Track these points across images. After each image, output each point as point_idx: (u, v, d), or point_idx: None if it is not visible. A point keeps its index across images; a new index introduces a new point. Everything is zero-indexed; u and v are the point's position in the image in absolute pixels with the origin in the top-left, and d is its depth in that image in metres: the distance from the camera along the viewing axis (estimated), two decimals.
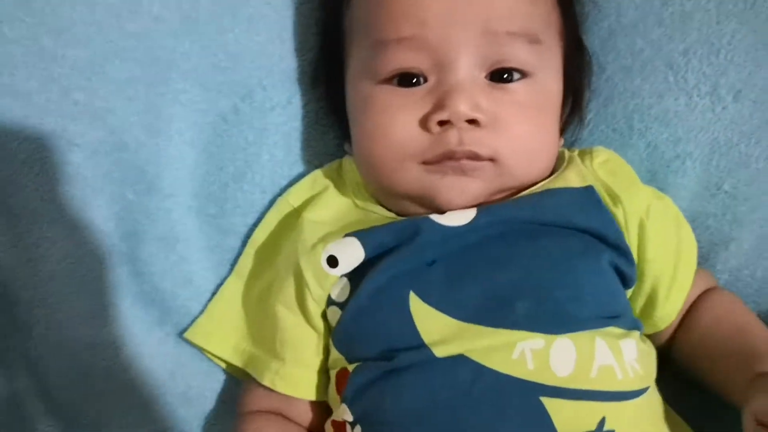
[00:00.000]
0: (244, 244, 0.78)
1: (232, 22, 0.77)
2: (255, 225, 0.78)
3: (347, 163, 0.78)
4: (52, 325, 0.76)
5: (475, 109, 0.66)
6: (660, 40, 0.77)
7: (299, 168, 0.80)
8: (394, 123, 0.68)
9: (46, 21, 0.71)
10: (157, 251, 0.75)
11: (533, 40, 0.69)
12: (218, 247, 0.78)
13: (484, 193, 0.68)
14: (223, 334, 0.75)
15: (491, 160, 0.67)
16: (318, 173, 0.78)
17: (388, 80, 0.69)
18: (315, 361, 0.71)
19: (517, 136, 0.68)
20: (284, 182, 0.79)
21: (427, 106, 0.67)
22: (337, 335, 0.68)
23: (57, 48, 0.71)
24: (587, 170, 0.73)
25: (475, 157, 0.67)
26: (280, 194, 0.78)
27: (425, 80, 0.68)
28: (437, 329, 0.64)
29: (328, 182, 0.77)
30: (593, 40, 0.80)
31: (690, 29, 0.77)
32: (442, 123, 0.66)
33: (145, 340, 0.76)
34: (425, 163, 0.68)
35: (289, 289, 0.70)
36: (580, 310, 0.65)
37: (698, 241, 0.76)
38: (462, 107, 0.65)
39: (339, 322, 0.68)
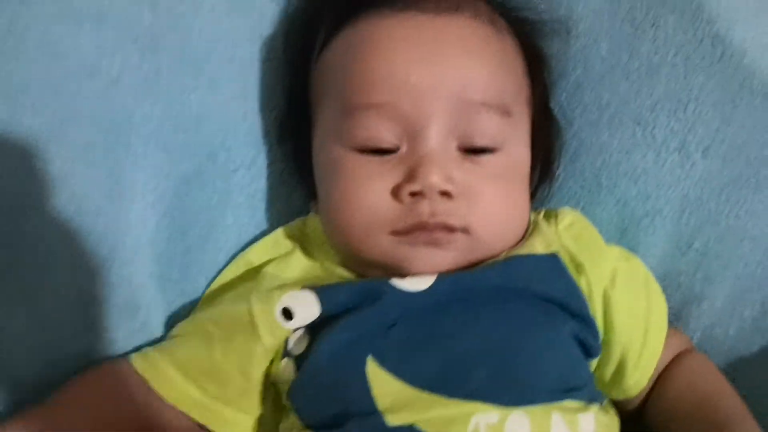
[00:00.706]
0: None
1: (195, 81, 0.76)
2: None
3: (312, 221, 0.77)
4: (14, 391, 0.72)
5: (447, 180, 0.65)
6: (627, 94, 0.78)
7: (264, 229, 0.79)
8: (365, 191, 0.67)
9: (1, 85, 0.69)
10: (118, 320, 0.73)
11: (505, 112, 0.69)
12: (181, 312, 0.76)
13: (454, 264, 0.68)
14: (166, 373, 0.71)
15: (464, 231, 0.67)
16: (280, 231, 0.77)
17: (358, 146, 0.68)
18: (240, 403, 0.69)
19: (489, 208, 0.68)
20: (248, 244, 0.78)
21: (399, 175, 0.67)
22: (294, 391, 0.67)
23: (12, 114, 0.69)
24: (552, 234, 0.73)
25: (448, 228, 0.66)
26: None
27: (396, 148, 0.67)
28: (392, 395, 0.63)
29: (291, 241, 0.76)
30: (560, 94, 0.80)
31: (657, 83, 0.77)
32: (413, 194, 0.65)
33: None
34: (395, 232, 0.66)
35: (233, 336, 0.68)
36: (537, 381, 0.65)
37: (670, 300, 0.75)
38: (435, 179, 0.65)
39: (296, 379, 0.67)
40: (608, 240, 0.76)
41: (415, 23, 0.69)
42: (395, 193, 0.66)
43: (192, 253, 0.76)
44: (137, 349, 0.74)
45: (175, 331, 0.73)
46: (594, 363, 0.72)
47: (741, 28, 0.74)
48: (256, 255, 0.76)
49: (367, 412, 0.63)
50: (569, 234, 0.73)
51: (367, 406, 0.63)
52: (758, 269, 0.76)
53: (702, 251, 0.77)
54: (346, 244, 0.70)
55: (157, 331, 0.75)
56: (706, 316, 0.77)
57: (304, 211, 0.79)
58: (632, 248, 0.77)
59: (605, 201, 0.78)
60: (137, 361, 0.69)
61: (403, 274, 0.67)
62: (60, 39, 0.72)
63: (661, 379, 0.73)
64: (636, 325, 0.71)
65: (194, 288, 0.76)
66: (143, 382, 0.68)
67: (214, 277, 0.77)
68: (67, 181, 0.71)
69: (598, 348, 0.70)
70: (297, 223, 0.78)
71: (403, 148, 0.67)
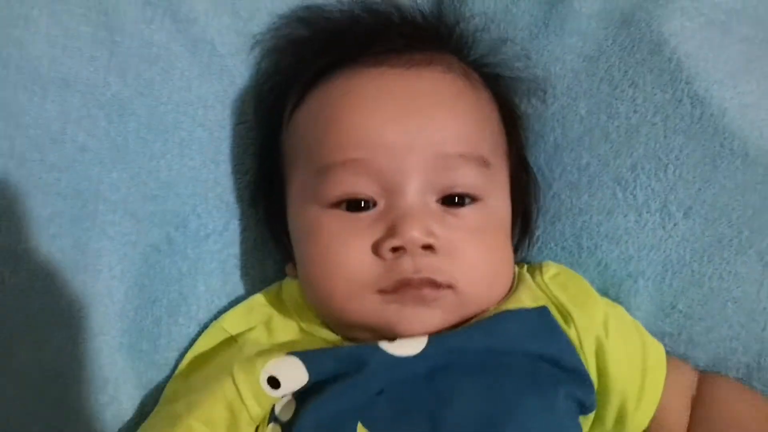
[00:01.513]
0: None
1: (164, 147, 0.75)
2: None
3: (288, 286, 0.75)
4: None
5: (428, 234, 0.64)
6: (607, 155, 0.77)
7: (237, 296, 0.77)
8: (345, 250, 0.66)
9: None
10: (87, 394, 0.71)
11: (482, 163, 0.68)
12: (151, 383, 0.74)
13: (444, 322, 0.66)
14: None
15: (450, 287, 0.65)
16: (255, 298, 0.75)
17: (335, 205, 0.67)
18: None
19: (473, 262, 0.67)
20: (221, 313, 0.75)
21: (378, 231, 0.65)
22: None
23: None
24: (538, 286, 0.72)
25: (434, 284, 0.65)
26: None
27: (374, 204, 0.66)
28: None
29: (267, 308, 0.74)
30: (539, 155, 0.79)
31: (637, 144, 0.76)
32: (395, 249, 0.64)
33: None
34: (381, 291, 0.65)
35: (213, 406, 0.65)
36: None
37: None
38: (415, 233, 0.64)
39: None
40: None
41: (386, 79, 0.69)
42: (376, 249, 0.65)
43: (162, 324, 0.74)
44: (105, 424, 0.71)
45: (144, 425, 0.69)
46: (590, 417, 0.70)
47: (720, 87, 0.73)
48: (230, 323, 0.74)
49: None
50: (556, 283, 0.72)
51: None
52: (742, 332, 0.74)
53: (686, 313, 0.75)
54: (329, 306, 0.68)
55: (127, 403, 0.73)
56: None
57: (278, 277, 0.78)
58: None
59: (586, 263, 0.77)
60: None
61: (391, 337, 0.66)
62: (24, 107, 0.71)
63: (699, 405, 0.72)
64: (632, 369, 0.70)
65: (165, 359, 0.74)
66: None
67: (187, 347, 0.74)
68: (30, 255, 0.69)
69: (594, 403, 0.69)
70: (272, 288, 0.76)
71: (381, 205, 0.66)
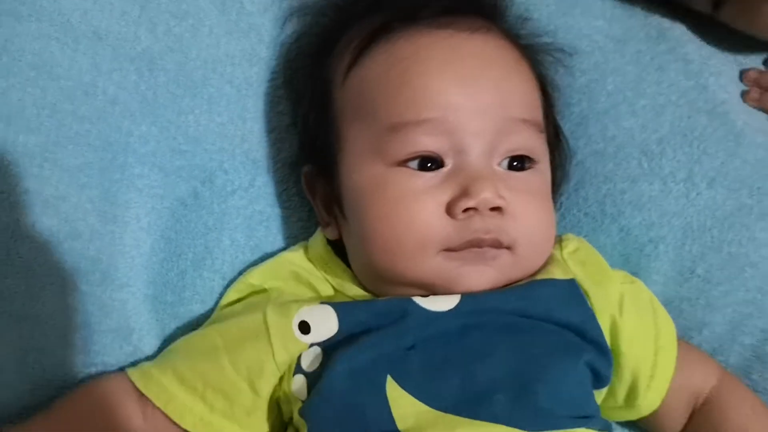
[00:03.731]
0: None
1: (192, 103, 0.76)
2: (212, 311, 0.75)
3: (314, 243, 0.76)
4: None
5: (498, 197, 0.66)
6: (633, 129, 0.81)
7: (261, 252, 0.78)
8: (417, 207, 0.66)
9: None
10: (111, 342, 0.72)
11: (539, 128, 0.72)
12: (174, 336, 0.75)
13: (495, 281, 0.68)
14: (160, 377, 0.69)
15: (509, 248, 0.67)
16: (283, 256, 0.76)
17: (403, 162, 0.67)
18: (245, 420, 0.67)
19: (533, 224, 0.69)
20: (245, 267, 0.77)
21: (449, 191, 0.66)
22: (308, 409, 0.65)
23: (6, 134, 0.69)
24: (559, 259, 0.73)
25: (498, 244, 0.66)
26: None
27: (443, 163, 0.67)
28: (413, 416, 0.63)
29: (295, 266, 0.74)
30: (564, 124, 0.81)
31: (663, 121, 0.81)
32: (466, 210, 0.65)
33: None
34: (447, 250, 0.66)
35: (246, 349, 0.67)
36: (557, 408, 0.65)
37: None
38: (488, 194, 0.65)
39: (311, 397, 0.65)
40: (612, 266, 0.76)
41: (454, 42, 0.70)
42: (449, 209, 0.66)
43: (187, 277, 0.75)
44: None
45: (177, 344, 0.71)
46: (603, 392, 0.72)
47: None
48: (257, 279, 0.74)
49: None
50: (574, 260, 0.74)
51: (387, 426, 0.63)
52: (759, 295, 0.77)
53: (704, 278, 0.77)
54: (390, 262, 0.68)
55: (150, 354, 0.73)
56: (707, 342, 0.77)
57: (302, 233, 0.79)
58: (635, 274, 0.77)
59: (609, 228, 0.79)
60: (136, 377, 0.67)
61: (427, 293, 0.67)
62: (56, 58, 0.73)
63: (701, 417, 0.73)
64: (645, 348, 0.72)
65: (188, 311, 0.75)
66: (144, 401, 0.67)
67: (211, 301, 0.75)
68: (60, 203, 0.71)
69: (609, 377, 0.70)
70: (298, 247, 0.77)
71: (449, 164, 0.67)
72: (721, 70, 0.84)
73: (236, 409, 0.67)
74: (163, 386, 0.66)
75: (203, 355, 0.67)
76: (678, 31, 0.85)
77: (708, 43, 0.86)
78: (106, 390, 0.68)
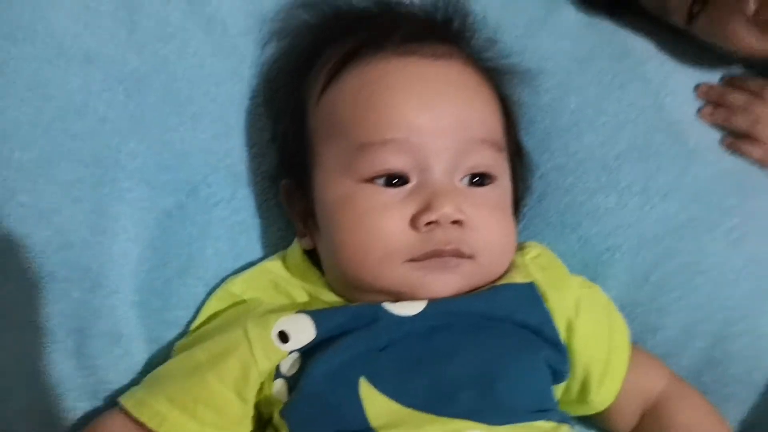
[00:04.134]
0: (182, 335, 0.79)
1: (178, 120, 0.81)
2: (196, 317, 0.79)
3: (292, 252, 0.80)
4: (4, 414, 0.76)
5: (458, 211, 0.70)
6: (593, 145, 0.87)
7: (243, 260, 0.82)
8: (383, 221, 0.71)
9: None
10: (102, 346, 0.76)
11: (498, 147, 0.76)
12: (161, 340, 0.79)
13: (458, 288, 0.72)
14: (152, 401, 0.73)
15: (470, 257, 0.72)
16: (262, 265, 0.81)
17: (370, 179, 0.72)
18: (235, 428, 0.72)
19: (491, 236, 0.73)
20: (227, 275, 0.81)
21: (413, 206, 0.71)
22: (288, 410, 0.70)
23: (2, 150, 0.73)
24: (521, 265, 0.78)
25: (459, 254, 0.71)
26: None
27: (407, 180, 0.72)
28: (385, 414, 0.67)
29: (273, 274, 0.79)
30: (529, 140, 0.86)
31: (621, 138, 0.87)
32: (429, 223, 0.70)
33: None
34: (411, 260, 0.71)
35: (229, 362, 0.70)
36: (518, 402, 0.70)
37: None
38: (448, 209, 0.70)
39: (290, 399, 0.70)
40: (572, 272, 0.81)
41: (418, 67, 0.75)
42: (413, 222, 0.71)
43: (172, 284, 0.79)
44: (119, 374, 0.76)
45: (164, 368, 0.74)
46: (561, 387, 0.77)
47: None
48: (239, 288, 0.79)
49: (361, 430, 0.67)
50: (536, 265, 0.79)
51: (360, 424, 0.67)
52: (708, 302, 0.82)
53: (657, 284, 0.83)
54: (358, 271, 0.73)
55: (139, 357, 0.78)
56: (660, 345, 0.82)
57: (281, 242, 0.83)
58: (593, 280, 0.82)
59: (569, 237, 0.85)
60: (130, 405, 0.70)
61: (396, 300, 0.72)
62: (49, 79, 0.76)
63: (651, 417, 0.78)
64: (598, 349, 0.77)
65: (174, 317, 0.79)
66: (140, 428, 0.70)
67: (194, 306, 0.79)
68: (53, 215, 0.75)
69: (566, 373, 0.75)
70: (277, 256, 0.81)
71: (414, 181, 0.72)
72: (679, 89, 0.90)
73: (226, 419, 0.70)
74: (155, 409, 0.69)
75: (190, 374, 0.71)
76: (640, 49, 0.91)
77: (670, 60, 0.91)
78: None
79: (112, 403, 0.76)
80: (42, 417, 0.76)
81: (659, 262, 0.83)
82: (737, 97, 0.88)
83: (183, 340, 0.77)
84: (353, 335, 0.70)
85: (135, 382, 0.77)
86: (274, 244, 0.84)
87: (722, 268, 0.82)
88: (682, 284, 0.83)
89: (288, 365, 0.70)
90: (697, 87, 0.90)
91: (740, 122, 0.87)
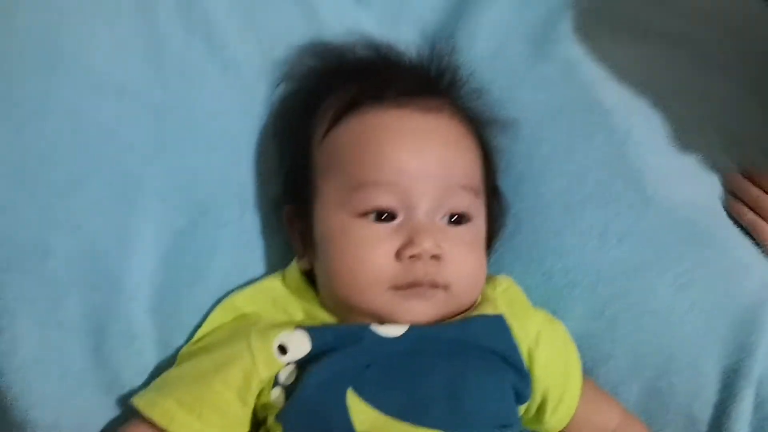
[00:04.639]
0: (190, 339, 0.85)
1: (195, 149, 0.88)
2: (202, 323, 0.86)
3: (290, 273, 0.87)
4: (15, 408, 0.81)
5: (437, 247, 0.79)
6: (561, 188, 0.94)
7: (247, 276, 0.89)
8: (372, 252, 0.79)
9: (32, 145, 0.81)
10: (118, 346, 0.82)
11: (476, 192, 0.84)
12: (170, 342, 0.85)
13: (433, 315, 0.81)
14: (162, 402, 0.78)
15: (444, 288, 0.80)
16: (264, 282, 0.87)
17: (363, 214, 0.80)
18: (236, 430, 0.79)
19: (464, 269, 0.82)
20: (232, 287, 0.87)
21: (398, 240, 0.79)
22: (284, 415, 0.77)
23: (41, 169, 0.81)
24: (491, 297, 0.86)
25: (435, 284, 0.80)
26: None
27: (395, 217, 0.80)
28: (368, 421, 0.75)
29: (274, 291, 0.86)
30: (505, 181, 0.94)
31: (586, 184, 0.94)
32: (412, 256, 0.79)
33: (103, 424, 0.83)
34: (394, 287, 0.79)
35: (233, 370, 0.77)
36: (483, 416, 0.78)
37: (584, 357, 0.88)
38: (428, 245, 0.78)
39: (286, 406, 0.77)
40: (535, 304, 0.90)
41: (410, 119, 0.83)
42: (398, 255, 0.79)
43: (183, 293, 0.86)
44: (132, 372, 0.83)
45: (174, 373, 0.80)
46: (523, 407, 0.85)
47: (656, 156, 0.95)
48: (242, 302, 0.85)
49: None
50: (504, 298, 0.87)
51: (347, 429, 0.74)
52: (655, 338, 0.89)
53: (610, 319, 0.90)
54: (347, 295, 0.80)
55: (150, 357, 0.84)
56: (612, 372, 0.90)
57: (281, 261, 0.90)
58: (555, 312, 0.90)
59: (534, 272, 0.93)
60: (142, 405, 0.77)
61: (382, 321, 0.79)
62: (85, 107, 0.84)
63: None
64: (555, 378, 0.85)
65: (182, 322, 0.85)
66: (151, 424, 0.76)
67: (201, 314, 0.86)
68: (85, 227, 0.82)
69: (528, 396, 0.84)
70: (277, 274, 0.88)
71: (400, 218, 0.80)
72: (642, 139, 0.95)
73: (227, 421, 0.77)
74: (165, 408, 0.75)
75: (197, 380, 0.77)
76: (609, 102, 0.97)
77: (635, 112, 0.98)
78: None
79: (122, 397, 0.83)
80: (61, 406, 0.81)
81: (613, 300, 0.90)
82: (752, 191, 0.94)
83: (187, 348, 0.83)
84: (344, 351, 0.77)
85: (145, 379, 0.83)
86: (274, 263, 0.90)
87: (669, 310, 0.89)
88: (631, 321, 0.89)
89: (285, 375, 0.77)
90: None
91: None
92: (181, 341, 0.86)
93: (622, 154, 0.95)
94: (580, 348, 0.89)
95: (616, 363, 0.90)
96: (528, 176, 0.95)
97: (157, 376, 0.84)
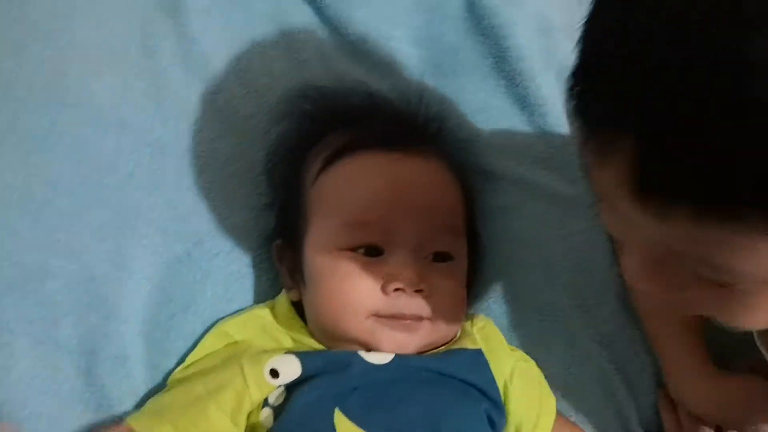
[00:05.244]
0: (179, 363, 0.88)
1: (191, 181, 0.93)
2: (192, 349, 0.89)
3: (279, 303, 0.91)
4: (9, 422, 0.83)
5: (420, 282, 0.83)
6: (535, 240, 1.00)
7: (236, 305, 0.92)
8: (360, 285, 0.83)
9: (38, 173, 0.86)
10: (110, 367, 0.85)
11: (458, 233, 0.89)
12: (161, 366, 0.88)
13: (417, 345, 0.84)
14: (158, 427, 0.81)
15: (428, 320, 0.84)
16: (254, 311, 0.91)
17: (352, 249, 0.84)
18: None
19: (446, 303, 0.85)
20: (222, 315, 0.91)
21: (385, 273, 0.83)
22: None
23: (47, 195, 0.86)
24: (470, 332, 0.91)
25: (418, 318, 0.84)
26: None
27: (383, 253, 0.84)
28: None
29: (264, 319, 0.90)
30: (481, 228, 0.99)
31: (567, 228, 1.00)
32: (396, 289, 0.83)
33: None
34: (377, 315, 0.83)
35: (227, 394, 0.80)
36: None
37: None
38: (413, 280, 0.83)
39: (275, 426, 0.80)
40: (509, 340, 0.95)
41: (398, 164, 0.87)
42: (384, 288, 0.82)
43: (175, 319, 0.89)
44: (122, 393, 0.86)
45: (165, 399, 0.83)
46: None
47: None
48: (233, 329, 0.88)
49: None
50: (481, 334, 0.92)
51: None
52: None
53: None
54: (334, 324, 0.84)
55: (140, 379, 0.86)
56: None
57: (270, 291, 0.93)
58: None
59: (497, 311, 0.99)
60: (138, 426, 0.79)
61: (369, 349, 0.83)
62: (89, 140, 0.89)
63: None
64: (528, 411, 0.89)
65: (173, 347, 0.88)
66: None
67: (191, 340, 0.89)
68: (82, 252, 0.86)
69: (503, 425, 0.87)
70: (267, 303, 0.91)
71: (387, 254, 0.84)
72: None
73: None
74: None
75: (192, 404, 0.80)
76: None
77: None
78: None
79: (111, 416, 0.85)
80: (52, 424, 0.83)
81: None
82: None
83: (179, 373, 0.86)
84: (332, 375, 0.80)
85: (133, 400, 0.86)
86: (263, 292, 0.93)
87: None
88: None
89: (275, 396, 0.80)
90: None
91: None
92: (170, 365, 0.89)
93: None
94: None
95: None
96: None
97: (146, 398, 0.87)
